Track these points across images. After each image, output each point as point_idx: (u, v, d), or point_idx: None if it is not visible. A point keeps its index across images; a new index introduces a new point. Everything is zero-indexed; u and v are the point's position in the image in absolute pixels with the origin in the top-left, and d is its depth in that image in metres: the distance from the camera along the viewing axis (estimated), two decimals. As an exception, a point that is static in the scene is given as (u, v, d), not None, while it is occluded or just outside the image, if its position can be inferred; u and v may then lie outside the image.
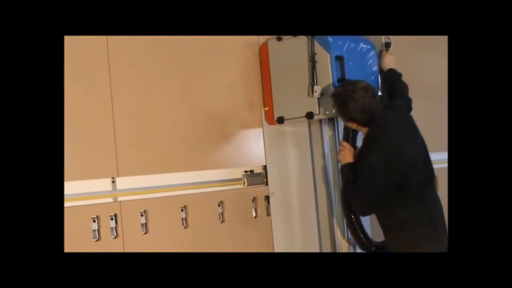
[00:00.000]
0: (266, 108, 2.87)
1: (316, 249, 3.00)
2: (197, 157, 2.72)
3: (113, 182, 2.45)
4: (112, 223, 2.40)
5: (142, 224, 2.48)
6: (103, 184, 2.42)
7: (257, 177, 2.90)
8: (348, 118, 2.39)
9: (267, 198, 2.93)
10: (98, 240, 2.36)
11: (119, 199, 2.44)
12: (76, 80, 2.35)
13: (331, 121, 2.86)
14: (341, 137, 2.63)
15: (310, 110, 2.64)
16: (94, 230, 2.35)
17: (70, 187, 2.29)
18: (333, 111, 2.50)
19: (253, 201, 2.88)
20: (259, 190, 2.92)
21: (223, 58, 2.83)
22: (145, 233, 2.49)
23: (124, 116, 2.50)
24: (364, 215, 2.50)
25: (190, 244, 2.64)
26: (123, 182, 2.46)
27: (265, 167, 2.94)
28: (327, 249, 2.92)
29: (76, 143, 2.35)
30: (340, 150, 2.53)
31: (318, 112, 2.62)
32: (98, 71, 2.44)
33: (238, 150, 2.89)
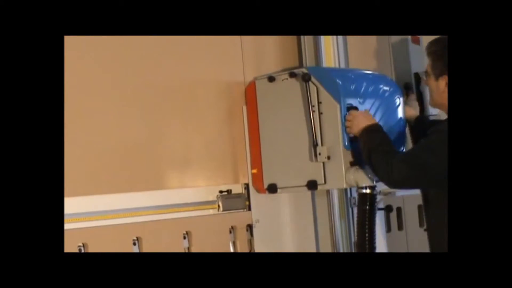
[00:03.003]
0: (254, 171, 2.51)
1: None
2: (155, 173, 2.38)
3: None
4: None
5: None
6: None
7: (236, 200, 2.55)
8: (446, 64, 2.03)
9: (249, 227, 2.57)
10: None
11: None
12: None
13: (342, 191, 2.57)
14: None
15: (313, 178, 2.28)
16: None
17: None
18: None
19: (230, 232, 2.52)
20: (239, 217, 2.57)
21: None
22: None
23: None
24: (399, 183, 2.16)
25: None
26: None
27: (247, 186, 2.58)
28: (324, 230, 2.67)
29: None
30: (348, 121, 2.23)
31: (323, 182, 2.27)
32: None
33: (211, 161, 2.53)
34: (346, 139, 2.24)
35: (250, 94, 2.49)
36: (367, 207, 2.20)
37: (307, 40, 2.60)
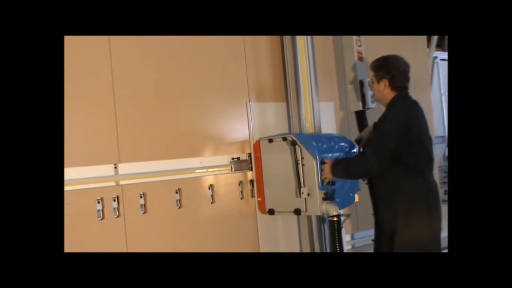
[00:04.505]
0: (259, 199, 2.86)
1: (294, 226, 3.08)
2: (190, 146, 2.78)
3: (116, 168, 2.53)
4: (115, 204, 2.49)
5: (141, 205, 2.57)
6: (107, 170, 2.51)
7: (243, 163, 2.95)
8: (385, 71, 2.44)
9: (251, 182, 2.98)
10: (102, 219, 2.46)
11: (121, 183, 2.53)
12: (79, 71, 2.42)
13: (318, 217, 2.90)
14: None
15: (298, 207, 2.67)
16: (98, 210, 2.45)
17: (78, 172, 2.41)
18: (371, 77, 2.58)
19: (239, 185, 2.95)
20: (244, 175, 2.98)
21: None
22: (144, 212, 2.59)
23: (125, 109, 2.58)
24: (378, 167, 2.41)
25: (183, 223, 2.72)
26: (124, 168, 2.54)
27: (249, 155, 2.99)
28: (304, 225, 2.98)
29: (83, 133, 2.46)
30: (323, 173, 2.59)
31: (305, 210, 2.67)
32: (100, 61, 2.48)
33: (227, 140, 2.92)
34: (320, 182, 2.58)
35: (256, 148, 2.86)
36: (336, 231, 2.49)
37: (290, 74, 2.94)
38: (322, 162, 2.60)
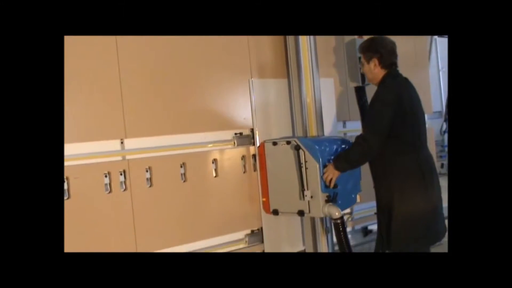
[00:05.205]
0: (264, 199, 2.91)
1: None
2: (195, 121, 2.85)
3: (122, 143, 2.59)
4: (121, 178, 2.55)
5: (147, 179, 2.63)
6: (113, 145, 2.56)
7: (245, 139, 3.03)
8: (373, 51, 2.50)
9: (254, 156, 3.06)
10: (109, 192, 2.52)
11: (127, 157, 2.59)
12: (85, 50, 2.45)
13: (322, 219, 2.98)
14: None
15: (301, 208, 2.73)
16: (106, 184, 2.51)
17: (85, 147, 2.46)
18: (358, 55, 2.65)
19: (242, 159, 3.03)
20: (247, 150, 3.06)
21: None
22: (150, 186, 2.65)
23: (131, 86, 2.63)
24: (378, 146, 2.42)
25: (188, 196, 2.80)
26: (130, 143, 2.60)
27: (252, 130, 3.07)
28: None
29: (91, 110, 2.50)
30: (326, 175, 2.61)
31: (308, 212, 2.72)
32: (106, 40, 2.51)
33: (231, 116, 3.00)
34: (322, 185, 2.61)
35: (261, 151, 2.88)
36: (341, 232, 2.55)
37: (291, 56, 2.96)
38: (325, 166, 2.64)
